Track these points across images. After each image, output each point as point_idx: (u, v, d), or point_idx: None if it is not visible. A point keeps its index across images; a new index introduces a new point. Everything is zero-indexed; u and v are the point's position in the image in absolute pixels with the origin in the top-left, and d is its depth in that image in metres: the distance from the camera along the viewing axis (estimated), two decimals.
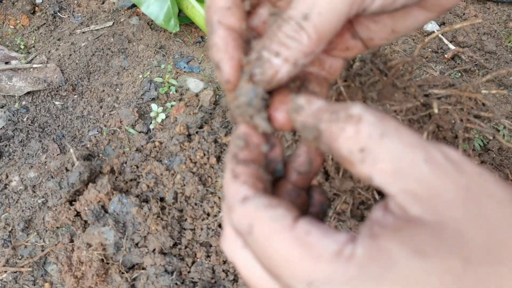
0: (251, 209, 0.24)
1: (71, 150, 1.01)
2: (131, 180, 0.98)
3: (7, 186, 1.00)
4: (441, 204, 0.22)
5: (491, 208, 0.22)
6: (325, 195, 0.32)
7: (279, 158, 0.30)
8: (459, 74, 1.14)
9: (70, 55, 1.22)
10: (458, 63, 1.17)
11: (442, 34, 1.19)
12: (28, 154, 1.05)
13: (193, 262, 0.87)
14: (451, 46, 1.20)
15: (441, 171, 0.22)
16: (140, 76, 1.18)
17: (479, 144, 1.00)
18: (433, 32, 1.20)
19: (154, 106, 1.10)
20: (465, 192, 0.22)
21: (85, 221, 0.92)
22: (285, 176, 0.31)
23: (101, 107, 1.14)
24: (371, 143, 0.23)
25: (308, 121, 0.26)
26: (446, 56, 1.17)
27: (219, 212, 0.91)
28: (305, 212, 0.31)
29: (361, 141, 0.23)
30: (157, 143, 1.04)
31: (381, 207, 0.24)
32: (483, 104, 0.92)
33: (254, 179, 0.27)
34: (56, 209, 0.93)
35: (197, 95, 1.12)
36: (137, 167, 1.00)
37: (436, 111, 0.77)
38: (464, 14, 1.28)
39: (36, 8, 1.35)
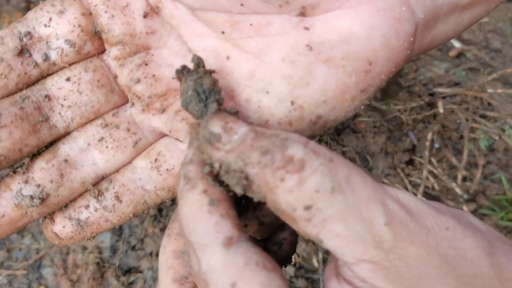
0: (239, 263, 0.19)
1: None
2: None
3: None
4: (415, 280, 0.18)
5: (469, 273, 0.19)
6: (295, 237, 0.28)
7: None
8: (464, 72, 1.12)
9: None
10: (463, 61, 1.15)
11: None
12: None
13: None
14: (456, 44, 1.18)
15: (405, 233, 0.19)
16: None
17: (485, 145, 0.98)
18: None
19: None
20: (437, 259, 0.19)
21: None
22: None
23: None
24: (320, 200, 0.19)
25: (230, 161, 0.20)
26: (451, 54, 1.15)
27: None
28: None
29: (306, 196, 0.19)
30: None
31: (333, 274, 0.21)
32: (489, 104, 0.90)
33: (234, 211, 0.21)
34: None
35: None
36: None
37: (441, 110, 0.75)
38: None
39: (31, 5, 1.33)
